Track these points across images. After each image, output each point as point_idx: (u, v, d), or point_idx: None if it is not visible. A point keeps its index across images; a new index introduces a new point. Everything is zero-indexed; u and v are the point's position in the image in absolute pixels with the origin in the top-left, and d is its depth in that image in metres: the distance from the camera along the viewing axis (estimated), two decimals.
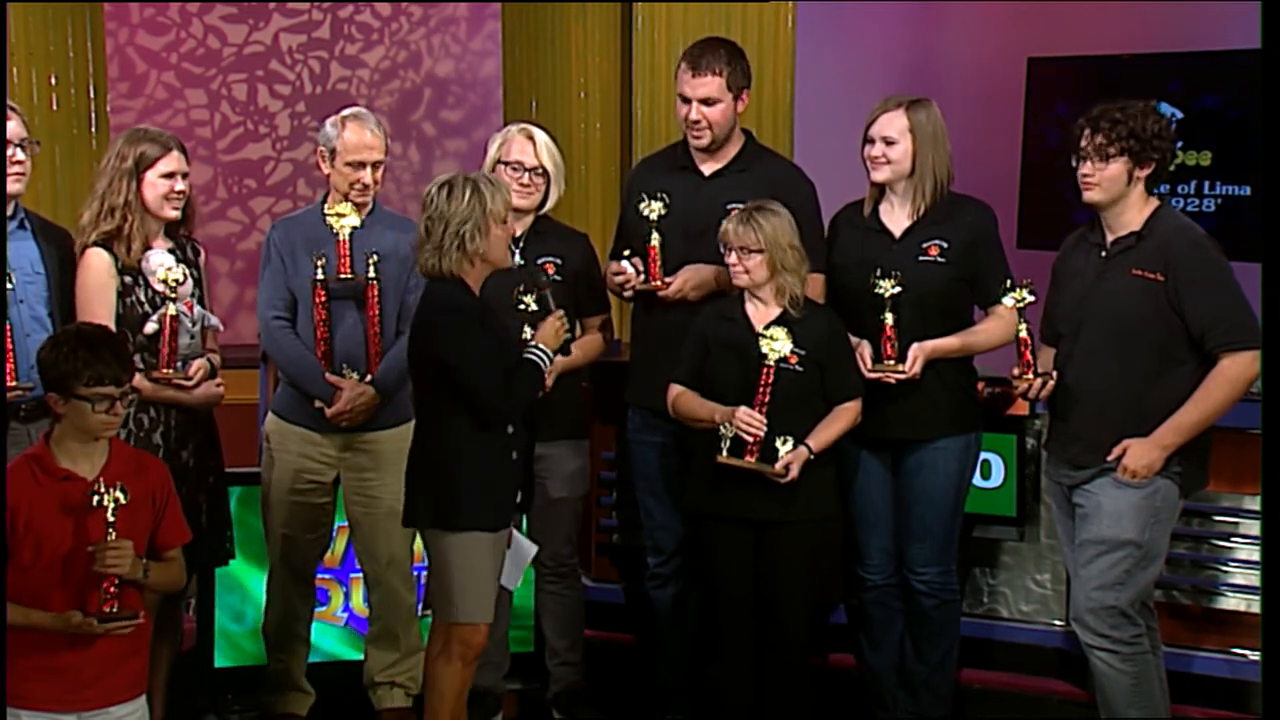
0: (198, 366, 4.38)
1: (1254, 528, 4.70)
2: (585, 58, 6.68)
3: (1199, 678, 4.78)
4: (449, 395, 4.03)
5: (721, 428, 4.26)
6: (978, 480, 4.83)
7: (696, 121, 4.53)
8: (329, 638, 5.03)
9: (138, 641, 3.70)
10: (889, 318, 4.34)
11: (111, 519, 3.52)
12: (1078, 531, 4.26)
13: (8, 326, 4.10)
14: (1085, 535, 4.21)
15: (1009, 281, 4.29)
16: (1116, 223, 4.20)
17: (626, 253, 4.58)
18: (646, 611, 4.88)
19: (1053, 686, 5.03)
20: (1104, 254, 4.21)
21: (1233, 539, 4.80)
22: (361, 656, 4.86)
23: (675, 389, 4.44)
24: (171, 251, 4.40)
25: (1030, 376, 4.23)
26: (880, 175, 4.46)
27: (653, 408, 4.59)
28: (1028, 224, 6.72)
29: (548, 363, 4.10)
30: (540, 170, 4.64)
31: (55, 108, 6.04)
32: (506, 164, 4.64)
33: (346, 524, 4.74)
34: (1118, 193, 4.15)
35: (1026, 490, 5.03)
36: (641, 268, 4.53)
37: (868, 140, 4.47)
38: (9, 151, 4.21)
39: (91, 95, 6.17)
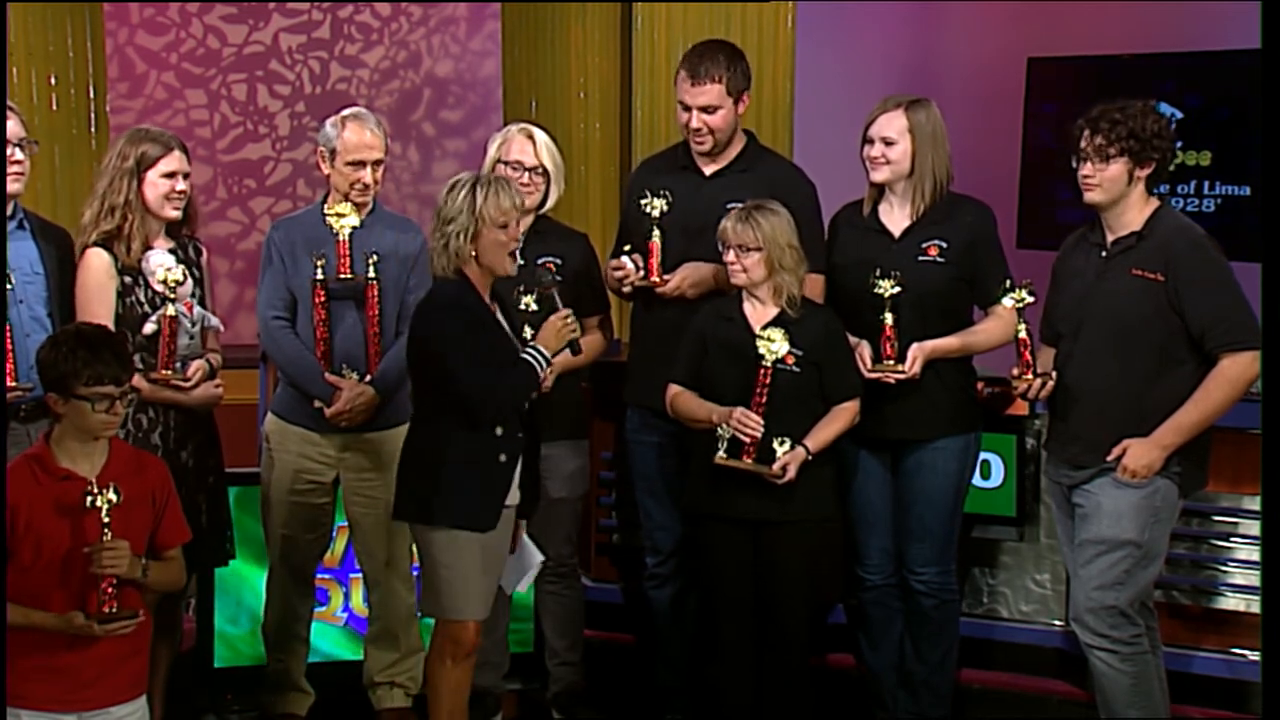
0: (196, 367, 4.38)
1: (1253, 528, 4.70)
2: (585, 58, 6.68)
3: (1198, 678, 4.78)
4: (437, 391, 4.05)
5: (719, 428, 4.26)
6: (977, 480, 4.83)
7: (698, 129, 4.53)
8: (328, 638, 5.03)
9: (138, 642, 3.70)
10: (888, 318, 4.34)
11: (106, 519, 3.52)
12: (1077, 531, 4.26)
13: (7, 327, 4.09)
14: (1085, 535, 4.21)
15: (1009, 282, 4.29)
16: (1117, 223, 4.20)
17: (627, 249, 4.59)
18: (646, 611, 4.88)
19: (1052, 686, 5.03)
20: (1104, 254, 4.21)
21: (1232, 539, 4.80)
22: (361, 656, 4.86)
23: (673, 389, 4.44)
24: (172, 251, 4.40)
25: (1030, 376, 4.23)
26: (880, 175, 4.46)
27: (651, 407, 4.59)
28: (1027, 224, 6.71)
29: (543, 364, 4.08)
30: (540, 170, 4.64)
31: (55, 108, 6.04)
32: (506, 163, 4.64)
33: (346, 524, 4.74)
34: (1118, 193, 4.15)
35: (1026, 490, 5.03)
36: (641, 264, 4.53)
37: (867, 140, 4.47)
38: (9, 152, 4.21)
39: (91, 95, 6.17)
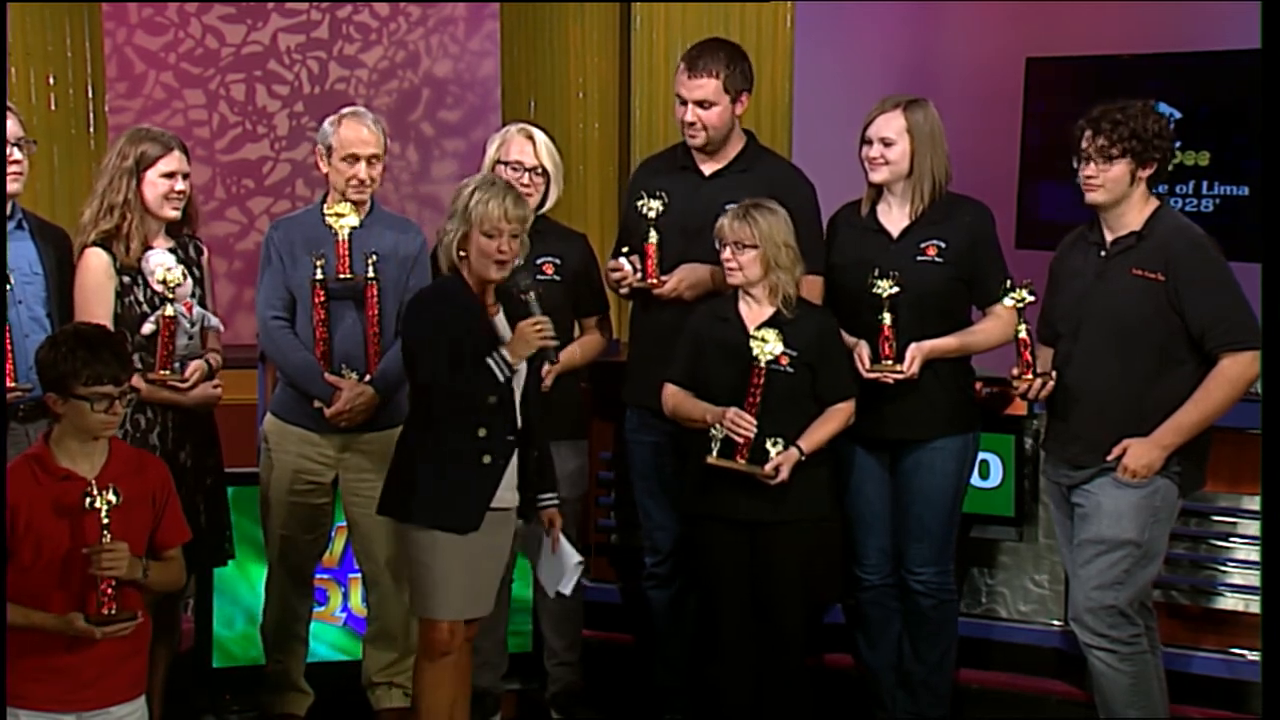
0: (194, 368, 4.38)
1: (1252, 528, 4.71)
2: (584, 58, 6.68)
3: (1197, 678, 4.78)
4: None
5: (712, 429, 4.26)
6: (976, 480, 4.82)
7: (691, 123, 4.53)
8: (327, 638, 5.03)
9: (138, 642, 3.70)
10: (887, 318, 4.34)
11: (106, 521, 3.52)
12: (1077, 531, 4.26)
13: (6, 327, 4.09)
14: (1084, 535, 4.21)
15: (1009, 282, 4.29)
16: (1117, 223, 4.20)
17: (625, 250, 4.59)
18: (644, 611, 4.88)
19: (1051, 686, 5.03)
20: (1103, 254, 4.21)
21: (1231, 539, 4.80)
22: (360, 657, 4.85)
23: (669, 388, 4.44)
24: (173, 251, 4.40)
25: (1030, 377, 4.23)
26: (878, 176, 4.46)
27: (650, 407, 4.59)
28: (1025, 224, 6.72)
29: (503, 369, 4.01)
30: (540, 170, 4.64)
31: (53, 107, 6.04)
32: (505, 164, 4.64)
33: (345, 524, 4.74)
34: (1121, 194, 4.15)
35: (1025, 490, 5.03)
36: (639, 265, 4.53)
37: (865, 141, 4.47)
38: (7, 151, 4.21)
39: (90, 95, 6.17)
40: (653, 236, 4.50)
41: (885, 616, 4.67)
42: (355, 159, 4.52)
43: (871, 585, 4.65)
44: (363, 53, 8.25)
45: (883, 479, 4.58)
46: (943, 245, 4.43)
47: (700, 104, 4.51)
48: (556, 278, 4.64)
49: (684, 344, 4.43)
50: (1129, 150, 4.11)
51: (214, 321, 4.49)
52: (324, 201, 4.61)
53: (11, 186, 4.25)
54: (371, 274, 4.51)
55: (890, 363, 4.37)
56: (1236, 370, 4.04)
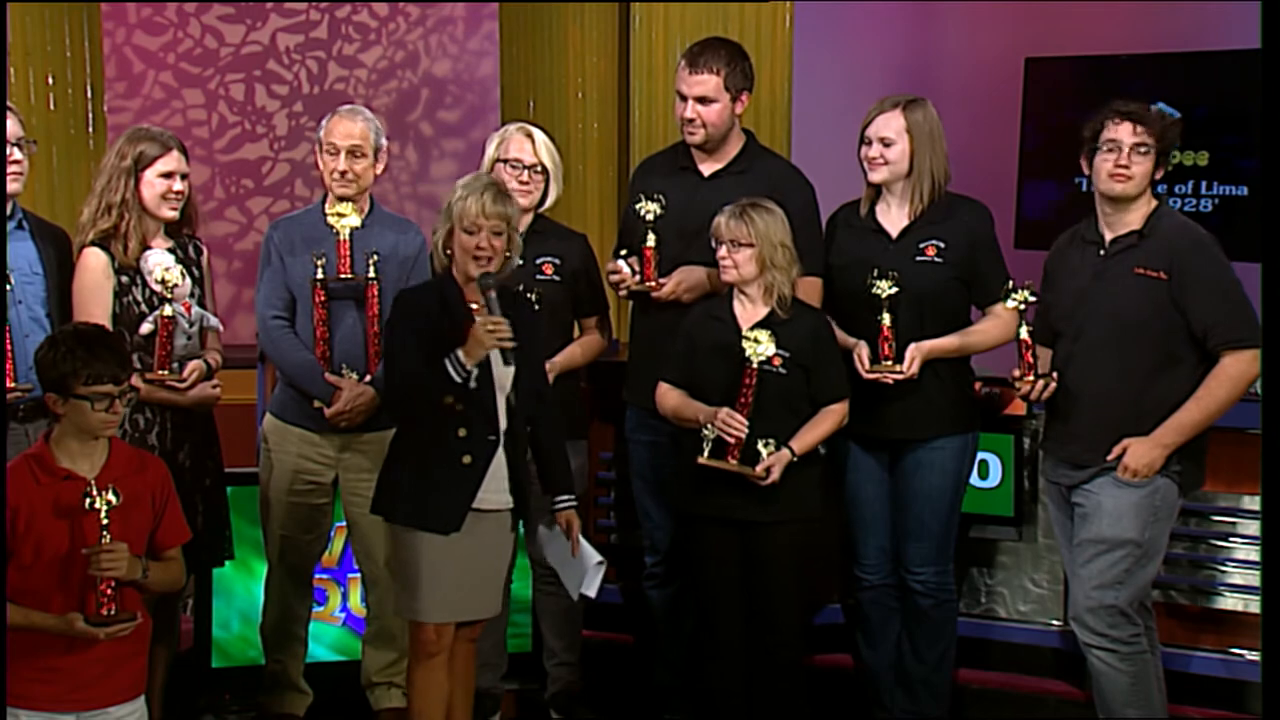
0: (192, 368, 4.37)
1: (1252, 527, 4.71)
2: (583, 58, 6.67)
3: (1197, 677, 4.79)
4: None
5: (704, 429, 4.25)
6: (975, 480, 4.83)
7: (691, 119, 4.53)
8: (327, 638, 5.02)
9: (138, 642, 3.69)
10: (886, 318, 4.34)
11: (105, 521, 3.51)
12: (1077, 531, 4.26)
13: (6, 327, 4.09)
14: (1085, 535, 4.21)
15: (1010, 283, 4.29)
16: (1119, 221, 4.20)
17: (623, 253, 4.59)
18: (644, 611, 4.88)
19: (1050, 686, 5.03)
20: (1102, 252, 4.21)
21: (1231, 539, 4.80)
22: (359, 657, 4.85)
23: (662, 387, 4.43)
24: (172, 251, 4.40)
25: (1031, 378, 4.23)
26: (878, 176, 4.46)
27: (650, 407, 4.58)
28: (1024, 224, 6.73)
29: (458, 370, 3.97)
30: (539, 168, 4.64)
31: (52, 107, 6.03)
32: (505, 162, 4.64)
33: (344, 524, 4.74)
34: (1143, 188, 4.17)
35: (1024, 490, 5.04)
36: (637, 268, 4.53)
37: (864, 141, 4.47)
38: (7, 151, 4.21)
39: (89, 95, 6.16)
40: (651, 239, 4.50)
41: (885, 616, 4.67)
42: (335, 151, 4.53)
43: (871, 585, 4.66)
44: (362, 53, 8.25)
45: (882, 479, 4.58)
46: (942, 245, 4.43)
47: (700, 100, 4.51)
48: (556, 278, 4.64)
49: (678, 343, 4.43)
50: (1160, 149, 4.13)
51: (213, 321, 4.49)
52: (324, 201, 4.61)
53: (12, 186, 4.25)
54: (372, 274, 4.51)
55: (890, 363, 4.37)
56: (1239, 369, 4.05)
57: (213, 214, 7.95)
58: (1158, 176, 4.19)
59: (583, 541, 4.23)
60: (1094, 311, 4.19)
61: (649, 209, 4.50)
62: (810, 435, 4.31)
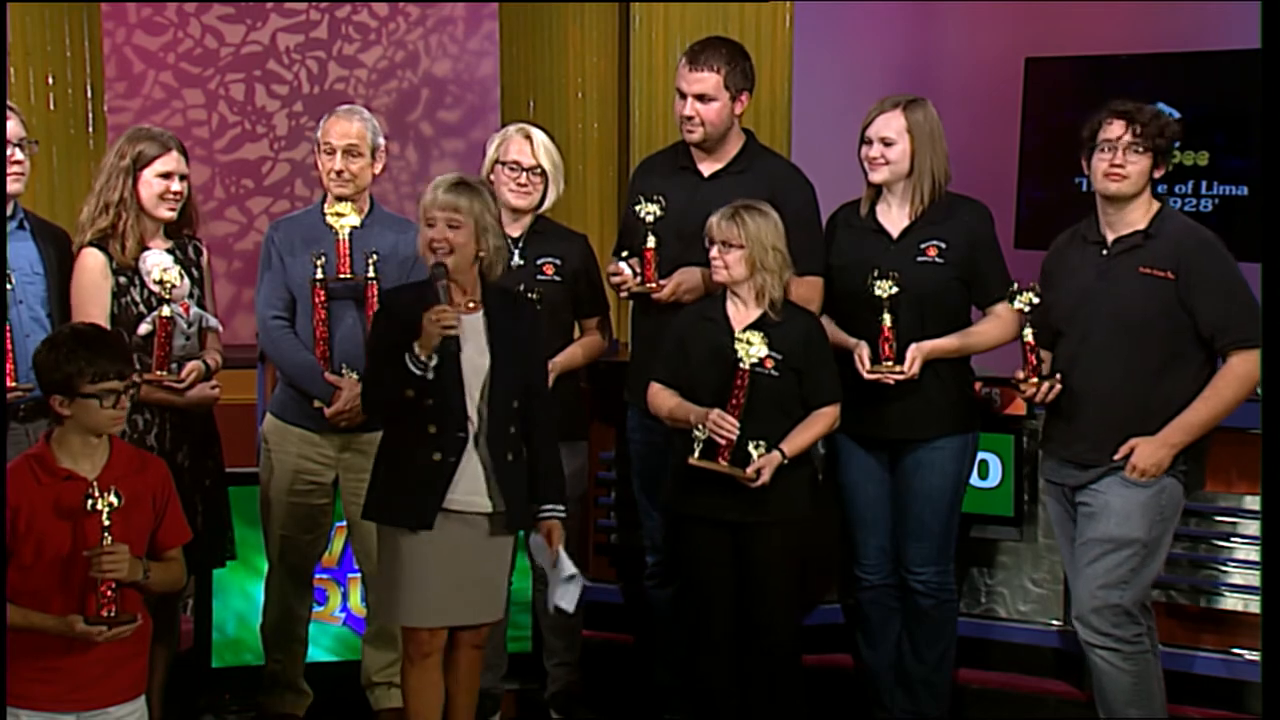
0: (190, 369, 4.37)
1: (1253, 527, 4.71)
2: (583, 58, 6.67)
3: (1197, 677, 4.79)
4: None
5: (695, 429, 4.25)
6: (975, 480, 4.83)
7: (690, 117, 4.53)
8: (326, 638, 5.02)
9: (138, 643, 3.69)
10: (887, 318, 4.34)
11: (107, 523, 3.51)
12: (1081, 530, 4.25)
13: (7, 327, 4.09)
14: (1091, 534, 4.21)
15: (1015, 285, 4.29)
16: (1120, 221, 4.21)
17: (624, 254, 4.58)
18: (645, 610, 4.88)
19: (1050, 686, 5.04)
20: (1105, 252, 4.21)
21: (1232, 539, 4.80)
22: (359, 657, 4.86)
23: (654, 387, 4.43)
24: (171, 251, 4.39)
25: (1035, 380, 4.23)
26: (878, 176, 4.46)
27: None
28: (1025, 224, 6.73)
29: (415, 363, 3.94)
30: (538, 170, 4.64)
31: (52, 107, 6.02)
32: (504, 164, 4.65)
33: (345, 524, 4.74)
34: (1140, 187, 4.17)
35: (1024, 490, 5.04)
36: (637, 269, 4.53)
37: (865, 141, 4.47)
38: (8, 151, 4.21)
39: (89, 95, 6.15)
40: (651, 240, 4.50)
41: (885, 616, 4.67)
42: (332, 150, 4.54)
43: (871, 585, 4.66)
44: (362, 53, 8.25)
45: (882, 479, 4.58)
46: (943, 246, 4.43)
47: (699, 98, 4.51)
48: (557, 278, 4.64)
49: (669, 343, 4.42)
50: (1154, 148, 4.13)
51: (212, 322, 4.49)
52: (324, 201, 4.61)
53: (13, 186, 4.25)
54: (372, 274, 4.50)
55: (891, 363, 4.37)
56: (1246, 368, 4.05)
57: (213, 214, 7.95)
58: (1157, 175, 4.19)
59: (561, 554, 4.14)
60: (1098, 311, 4.19)
61: (649, 211, 4.49)
62: (801, 438, 4.31)
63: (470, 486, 4.07)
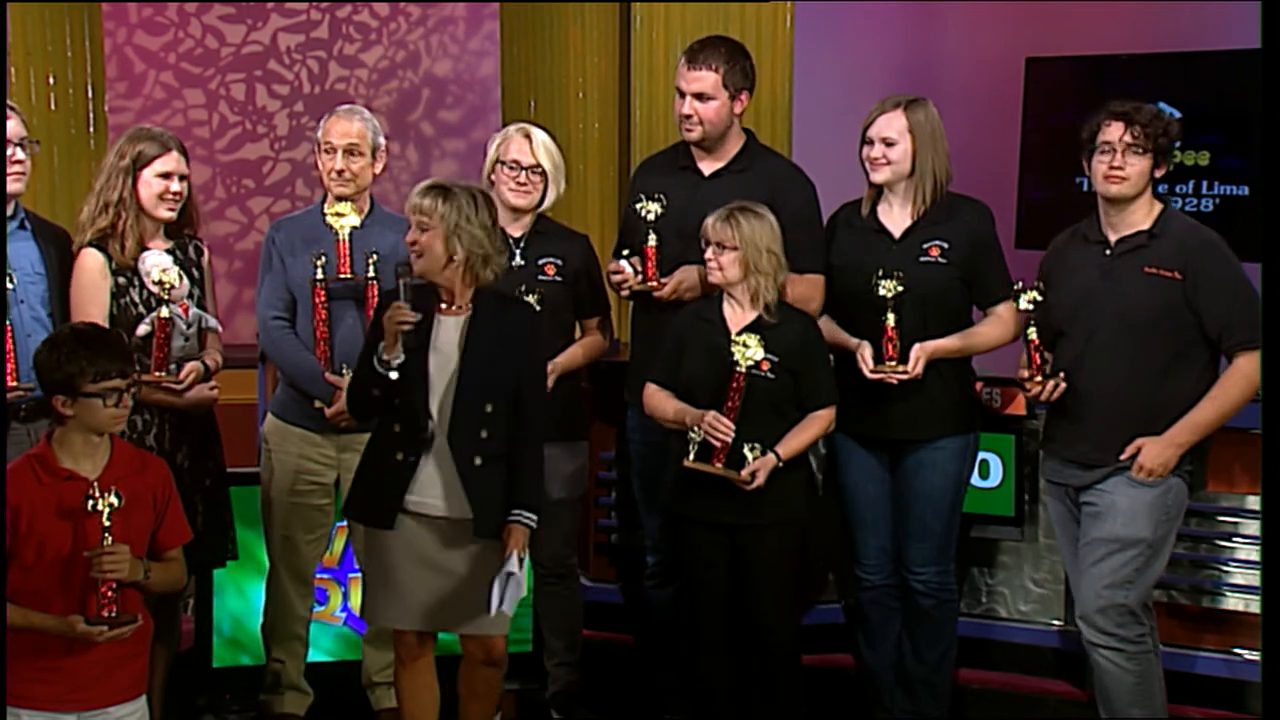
0: (189, 369, 4.36)
1: (1254, 528, 4.71)
2: (584, 58, 6.66)
3: (1199, 677, 4.79)
4: None
5: (690, 431, 4.25)
6: (976, 480, 4.83)
7: (688, 116, 4.53)
8: (327, 638, 5.02)
9: (138, 643, 3.69)
10: (890, 318, 4.34)
11: (107, 523, 3.51)
12: (1086, 530, 4.25)
13: (8, 327, 4.09)
14: (1096, 534, 4.21)
15: (1020, 284, 4.29)
16: (1123, 221, 4.21)
17: (625, 253, 4.58)
18: (645, 610, 4.88)
19: (1051, 686, 5.04)
20: (1108, 252, 4.21)
21: (1234, 539, 4.80)
22: (360, 657, 4.86)
23: (649, 388, 4.43)
24: (170, 252, 4.39)
25: (1040, 379, 4.23)
26: (880, 176, 4.46)
27: None
28: (1026, 224, 6.72)
29: (379, 363, 3.97)
30: (537, 169, 4.63)
31: (53, 107, 6.02)
32: (504, 163, 4.64)
33: (345, 524, 4.74)
34: (1140, 189, 4.17)
35: (1025, 490, 5.04)
36: (639, 268, 4.53)
37: (866, 141, 4.47)
38: (9, 151, 4.21)
39: (90, 95, 6.15)
40: (652, 239, 4.50)
41: (885, 616, 4.67)
42: (332, 150, 4.54)
43: (872, 585, 4.66)
44: (363, 52, 8.25)
45: (883, 479, 4.58)
46: (945, 246, 4.43)
47: (698, 97, 4.51)
48: (558, 278, 4.64)
49: (666, 343, 4.42)
50: (1154, 148, 4.13)
51: (212, 323, 4.48)
52: (324, 201, 4.61)
53: (14, 186, 4.25)
54: (372, 274, 4.51)
55: (894, 363, 4.37)
56: (1252, 368, 4.05)
57: (213, 214, 7.95)
58: (1158, 175, 4.19)
59: (512, 556, 3.95)
60: (1102, 311, 4.19)
61: (650, 209, 4.49)
62: (796, 440, 4.30)
63: (431, 488, 4.05)
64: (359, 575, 4.86)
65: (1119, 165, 4.14)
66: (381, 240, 4.56)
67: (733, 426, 4.20)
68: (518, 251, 4.60)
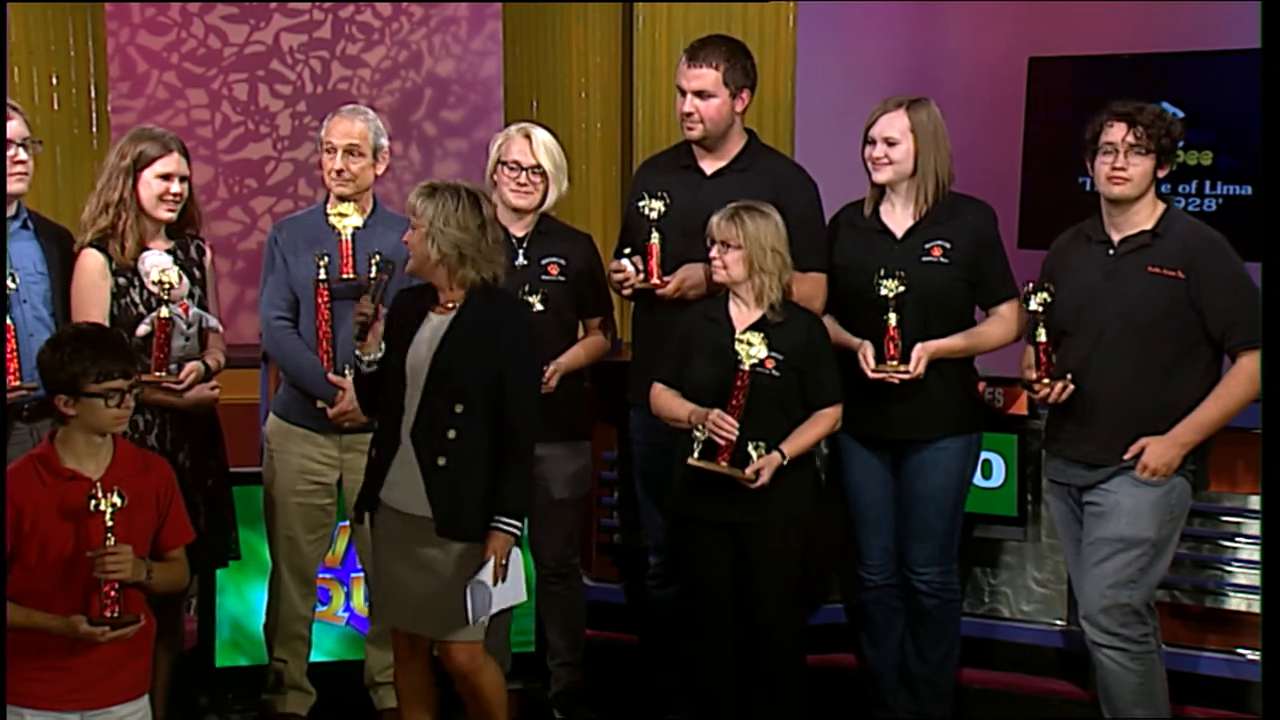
0: (189, 369, 4.36)
1: (1257, 527, 4.70)
2: (586, 58, 6.67)
3: (1202, 678, 4.79)
4: None
5: (695, 430, 4.25)
6: (979, 480, 4.83)
7: (689, 114, 4.53)
8: (330, 637, 5.03)
9: (141, 642, 3.70)
10: (892, 318, 4.34)
11: (110, 524, 3.52)
12: (1089, 529, 4.25)
13: (10, 326, 4.10)
14: (1100, 533, 4.21)
15: (1029, 285, 4.29)
16: (1126, 221, 4.21)
17: (627, 251, 4.58)
18: (648, 610, 4.88)
19: (1053, 686, 5.03)
20: (1111, 251, 4.21)
21: (1237, 539, 4.80)
22: (362, 656, 4.86)
23: (656, 387, 4.43)
24: (171, 252, 4.39)
25: (1047, 380, 4.23)
26: (882, 176, 4.46)
27: None
28: (1028, 224, 6.72)
29: (356, 360, 4.08)
30: (538, 169, 4.63)
31: (56, 107, 6.04)
32: (505, 164, 4.64)
33: (347, 524, 4.75)
34: (1143, 189, 4.17)
35: (1028, 490, 5.04)
36: (641, 266, 4.53)
37: (868, 141, 4.47)
38: (12, 151, 4.22)
39: (92, 95, 6.16)
40: (655, 237, 4.50)
41: (888, 616, 4.67)
42: (333, 150, 4.55)
43: (875, 585, 4.66)
44: (365, 52, 8.25)
45: (886, 479, 4.58)
46: (948, 246, 4.43)
47: (698, 95, 4.51)
48: (561, 278, 4.64)
49: (674, 343, 4.43)
50: (1157, 148, 4.13)
51: (212, 322, 4.48)
52: (327, 201, 4.62)
53: (18, 186, 4.25)
54: (374, 274, 4.50)
55: (895, 363, 4.37)
56: (1256, 367, 4.05)
57: (216, 214, 7.95)
58: (1161, 175, 4.19)
59: (486, 566, 3.92)
60: (1106, 311, 4.19)
61: (653, 207, 4.49)
62: (802, 439, 4.30)
63: (402, 486, 4.05)
64: (361, 575, 4.87)
65: (1122, 166, 4.15)
66: (384, 240, 4.55)
67: (736, 425, 4.20)
68: (520, 251, 4.60)
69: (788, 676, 4.39)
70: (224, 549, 4.62)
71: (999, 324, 4.48)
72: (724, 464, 4.23)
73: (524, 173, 4.62)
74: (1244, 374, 4.09)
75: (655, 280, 4.51)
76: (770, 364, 4.24)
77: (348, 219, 4.51)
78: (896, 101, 4.46)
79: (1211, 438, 4.20)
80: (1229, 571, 4.81)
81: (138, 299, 4.34)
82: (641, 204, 4.52)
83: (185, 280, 4.35)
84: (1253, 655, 4.72)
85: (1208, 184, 6.50)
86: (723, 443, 4.22)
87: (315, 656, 4.86)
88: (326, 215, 4.55)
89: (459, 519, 3.98)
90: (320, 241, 4.53)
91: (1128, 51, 6.74)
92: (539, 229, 4.67)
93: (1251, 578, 4.73)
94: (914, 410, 4.44)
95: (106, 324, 4.22)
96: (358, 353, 4.07)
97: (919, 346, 4.36)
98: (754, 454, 4.21)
